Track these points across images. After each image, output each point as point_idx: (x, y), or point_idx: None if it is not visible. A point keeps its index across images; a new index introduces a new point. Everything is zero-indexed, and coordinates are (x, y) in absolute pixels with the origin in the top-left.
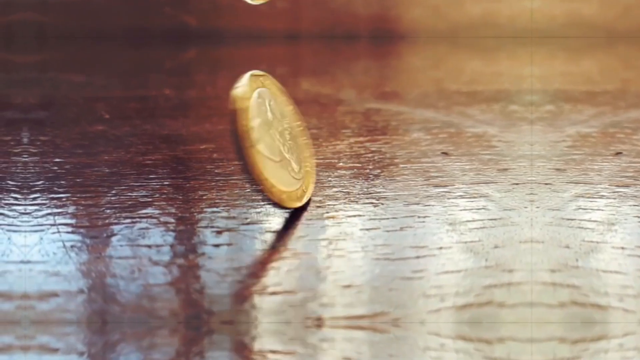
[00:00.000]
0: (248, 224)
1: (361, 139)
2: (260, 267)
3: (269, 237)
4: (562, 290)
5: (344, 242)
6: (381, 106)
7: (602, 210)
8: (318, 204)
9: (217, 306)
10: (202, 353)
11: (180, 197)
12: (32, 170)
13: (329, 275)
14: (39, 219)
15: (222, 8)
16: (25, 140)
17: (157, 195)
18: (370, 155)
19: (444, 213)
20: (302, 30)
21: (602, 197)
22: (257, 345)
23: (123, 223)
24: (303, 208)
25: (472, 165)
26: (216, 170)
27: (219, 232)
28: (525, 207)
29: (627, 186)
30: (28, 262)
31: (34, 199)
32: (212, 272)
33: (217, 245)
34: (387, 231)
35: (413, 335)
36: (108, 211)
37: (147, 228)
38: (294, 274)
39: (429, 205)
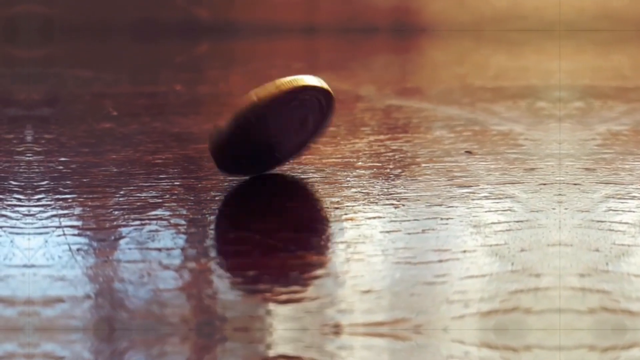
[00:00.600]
0: (261, 225)
1: (381, 137)
2: (274, 272)
3: (284, 240)
4: (592, 295)
5: (363, 245)
6: (402, 103)
7: (634, 212)
8: (336, 205)
9: (230, 312)
10: None
11: (192, 198)
12: (37, 170)
13: (347, 279)
14: (44, 221)
15: (235, 0)
16: (29, 138)
17: (168, 196)
18: (390, 154)
19: (468, 215)
20: (320, 23)
21: (633, 198)
22: (272, 354)
23: (132, 225)
24: (320, 210)
25: (497, 164)
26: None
27: (232, 235)
28: (553, 209)
29: None
30: (32, 266)
31: (39, 200)
32: (225, 277)
33: (230, 249)
34: (409, 234)
35: (435, 343)
36: (116, 213)
37: (156, 230)
38: (310, 279)
39: (452, 206)
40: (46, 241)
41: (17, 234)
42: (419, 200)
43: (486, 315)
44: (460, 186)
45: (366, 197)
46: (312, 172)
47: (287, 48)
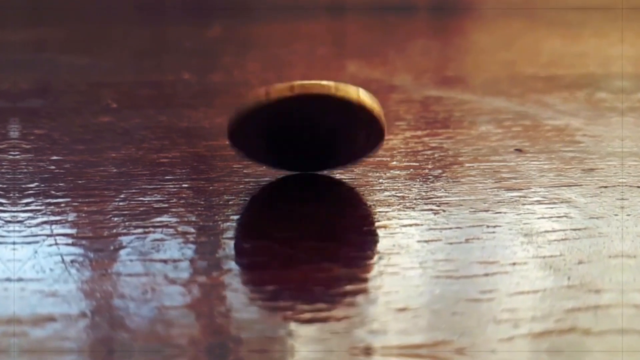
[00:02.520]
0: (282, 233)
1: (418, 132)
2: (295, 287)
3: (308, 250)
4: None
5: (398, 256)
6: (442, 94)
7: None
8: (367, 211)
9: (245, 333)
10: None
11: (202, 203)
12: (24, 170)
13: (379, 296)
14: (33, 229)
15: None
16: (15, 133)
17: (175, 200)
18: (429, 152)
19: (518, 222)
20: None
21: None
22: None
23: (133, 233)
24: (348, 216)
25: (551, 164)
26: (245, 171)
27: (247, 245)
28: (615, 215)
29: None
30: (19, 279)
31: (27, 204)
32: (240, 292)
33: (245, 261)
34: (450, 243)
35: None
36: (115, 219)
37: (162, 239)
38: (337, 295)
39: (500, 212)
40: (36, 251)
41: (0, 243)
42: (461, 205)
43: (539, 336)
44: (509, 189)
45: (401, 201)
46: (339, 174)
47: (311, 30)
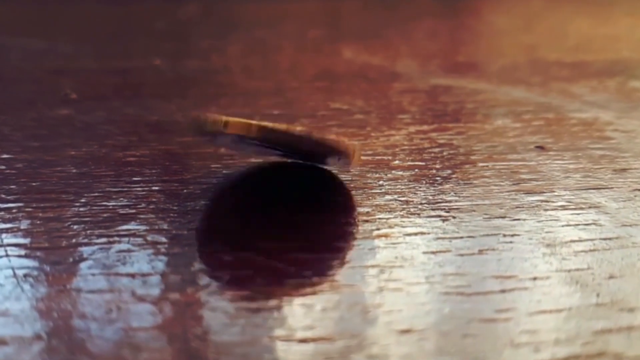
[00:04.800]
0: (267, 243)
1: (425, 127)
2: (284, 304)
3: (296, 264)
4: None
5: (401, 270)
6: (452, 82)
7: None
8: (365, 218)
9: (225, 357)
10: None
11: (175, 208)
12: None
13: (380, 315)
14: None
15: None
16: None
17: (143, 205)
18: (437, 150)
19: (539, 230)
20: None
21: None
22: None
23: (96, 243)
24: (344, 223)
25: (578, 164)
26: (225, 171)
27: (227, 257)
28: None
29: None
30: None
31: None
32: (219, 312)
33: (224, 275)
34: (461, 255)
35: None
36: (75, 227)
37: (129, 250)
38: (332, 314)
39: (518, 219)
40: None
41: None
42: (474, 210)
43: None
44: (529, 192)
45: (405, 206)
46: (334, 174)
47: (301, 9)
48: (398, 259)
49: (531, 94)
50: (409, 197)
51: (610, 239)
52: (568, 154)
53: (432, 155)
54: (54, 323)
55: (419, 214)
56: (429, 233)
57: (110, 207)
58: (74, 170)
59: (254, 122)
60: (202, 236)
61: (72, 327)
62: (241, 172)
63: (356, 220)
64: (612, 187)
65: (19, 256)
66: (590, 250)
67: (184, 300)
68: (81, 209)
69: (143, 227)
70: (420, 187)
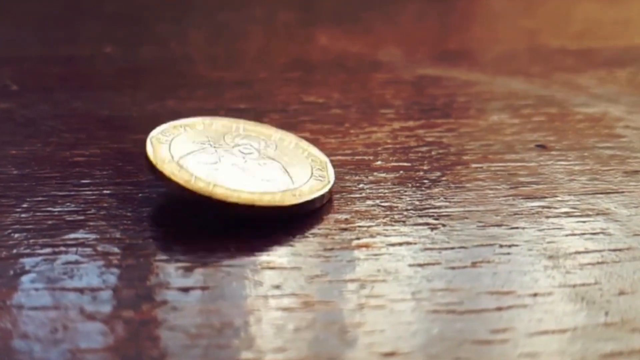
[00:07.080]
0: (232, 255)
1: (410, 123)
2: (252, 322)
3: (266, 277)
4: None
5: (384, 284)
6: (442, 73)
7: None
8: (344, 225)
9: None
10: None
11: (129, 215)
12: None
13: (360, 336)
14: None
15: None
16: None
17: (93, 211)
18: (424, 149)
19: (540, 240)
20: None
21: None
22: None
23: (39, 254)
24: (318, 232)
25: (584, 165)
26: None
27: (189, 269)
28: None
29: None
30: None
31: None
32: (178, 331)
33: (185, 290)
34: (452, 268)
35: None
36: (16, 235)
37: (76, 262)
38: (305, 334)
39: (516, 227)
40: None
41: None
42: (466, 218)
43: None
44: (529, 197)
45: (389, 213)
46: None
47: None
48: (381, 273)
49: (531, 86)
50: (393, 203)
51: (620, 250)
52: (573, 153)
53: (419, 155)
54: None
55: (404, 222)
56: (415, 243)
57: (56, 213)
58: (15, 172)
59: (191, 180)
60: (160, 246)
61: (12, 349)
62: None
63: (333, 228)
64: (622, 192)
65: None
66: (598, 263)
67: (138, 319)
68: (23, 215)
69: (93, 236)
70: (405, 191)
